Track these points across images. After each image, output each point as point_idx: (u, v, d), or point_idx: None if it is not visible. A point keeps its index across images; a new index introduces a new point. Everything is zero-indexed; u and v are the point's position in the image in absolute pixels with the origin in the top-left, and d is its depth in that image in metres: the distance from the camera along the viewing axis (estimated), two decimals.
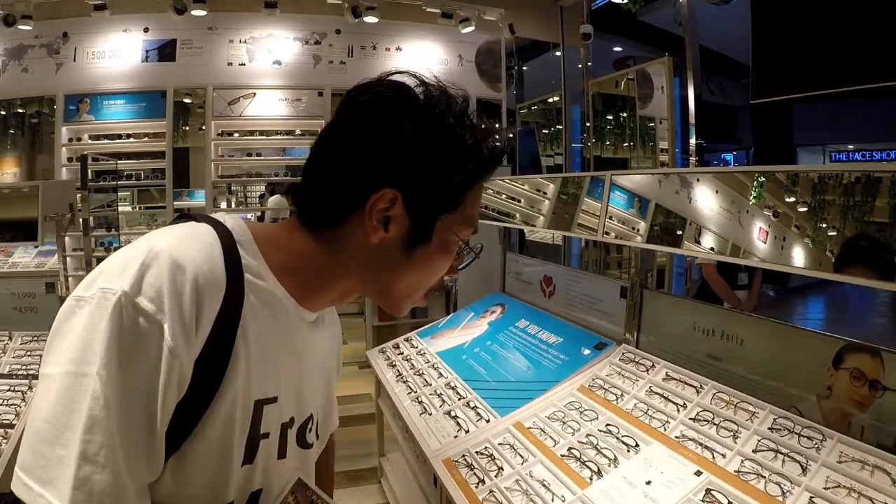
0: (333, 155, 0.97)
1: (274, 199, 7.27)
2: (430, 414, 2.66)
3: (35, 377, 2.60)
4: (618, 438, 2.04)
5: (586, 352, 2.72)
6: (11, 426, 2.39)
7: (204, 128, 6.62)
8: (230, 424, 0.87)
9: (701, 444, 1.88)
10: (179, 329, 0.78)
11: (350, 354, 6.15)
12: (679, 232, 2.22)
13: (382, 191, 0.91)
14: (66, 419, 0.74)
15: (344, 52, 6.79)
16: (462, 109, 0.97)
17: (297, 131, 6.88)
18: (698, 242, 2.14)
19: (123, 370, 0.76)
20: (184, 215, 0.95)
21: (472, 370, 2.96)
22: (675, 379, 2.25)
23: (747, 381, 2.06)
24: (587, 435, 2.11)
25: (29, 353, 2.82)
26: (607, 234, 2.62)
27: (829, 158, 13.54)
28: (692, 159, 6.03)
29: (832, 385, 1.79)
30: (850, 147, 13.66)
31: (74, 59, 6.53)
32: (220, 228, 0.91)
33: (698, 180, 2.17)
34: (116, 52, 6.58)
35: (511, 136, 8.88)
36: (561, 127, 8.12)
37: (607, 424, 2.14)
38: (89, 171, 6.52)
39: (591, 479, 1.89)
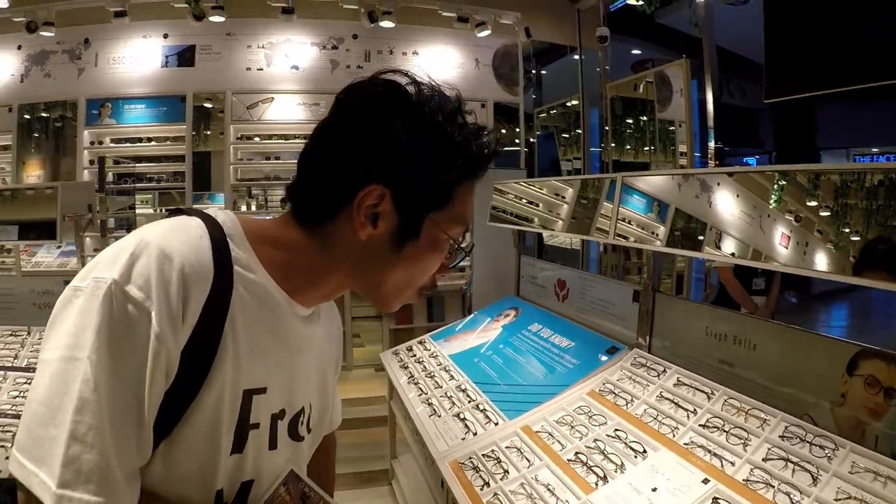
0: (325, 152, 0.98)
1: None
2: (440, 416, 2.65)
3: None
4: (626, 444, 2.01)
5: (603, 358, 2.69)
6: None
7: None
8: (218, 413, 0.88)
9: (710, 452, 1.85)
10: (166, 316, 0.80)
11: (367, 357, 6.17)
12: (700, 237, 2.18)
13: (370, 187, 0.92)
14: (59, 401, 0.77)
15: (361, 57, 6.80)
16: (453, 108, 0.97)
17: None
18: (719, 247, 2.11)
19: (113, 355, 0.78)
20: (178, 210, 0.96)
21: (483, 373, 2.95)
22: (686, 384, 2.22)
23: (760, 387, 2.02)
24: (595, 440, 2.09)
25: None
26: (621, 236, 2.60)
27: (853, 161, 13.37)
28: (711, 163, 5.98)
29: (846, 392, 1.75)
30: (875, 150, 13.48)
31: (96, 65, 6.59)
32: (210, 222, 0.93)
33: (718, 184, 2.13)
34: (137, 58, 6.63)
35: (531, 140, 8.89)
36: (580, 131, 8.08)
37: (616, 430, 2.11)
38: (110, 173, 6.62)
39: (596, 484, 1.87)
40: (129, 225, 6.69)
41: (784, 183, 1.87)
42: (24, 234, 3.12)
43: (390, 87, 0.96)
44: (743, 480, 1.70)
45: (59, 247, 5.63)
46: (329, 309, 1.22)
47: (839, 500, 1.54)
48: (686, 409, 2.08)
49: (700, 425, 1.98)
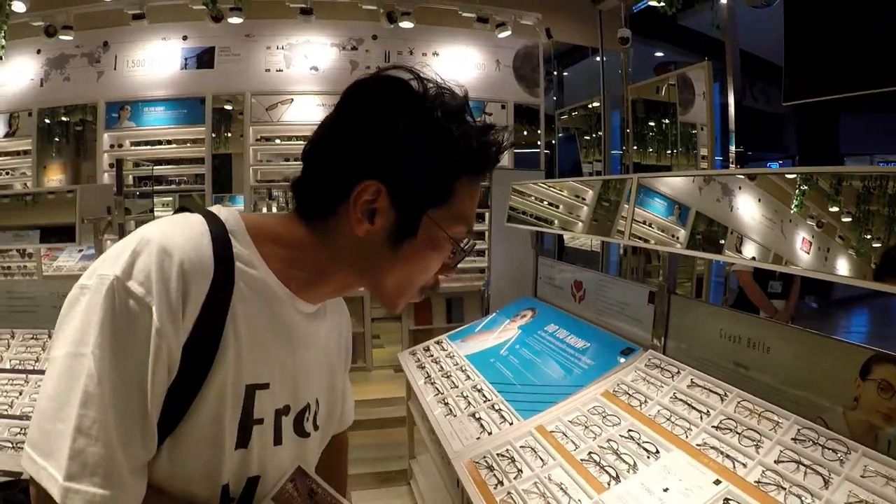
0: (326, 148, 0.99)
1: None
2: (455, 416, 2.67)
3: None
4: (639, 444, 2.02)
5: (618, 359, 2.69)
6: None
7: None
8: (221, 408, 0.89)
9: (722, 453, 1.85)
10: (166, 311, 0.82)
11: (386, 358, 6.17)
12: (721, 240, 2.18)
13: (366, 182, 0.93)
14: (66, 396, 0.79)
15: (381, 58, 6.79)
16: (456, 105, 0.97)
17: None
18: (739, 251, 2.10)
19: (115, 349, 0.80)
20: (182, 209, 0.98)
21: (499, 373, 2.97)
22: (700, 386, 2.22)
23: (773, 389, 2.02)
24: (608, 440, 2.10)
25: None
26: (638, 238, 2.60)
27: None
28: (732, 167, 5.93)
29: (859, 396, 1.74)
30: None
31: (115, 68, 6.65)
32: (212, 219, 0.94)
33: (740, 188, 2.13)
34: (156, 60, 6.67)
35: (552, 141, 8.86)
36: (601, 133, 8.05)
37: (629, 430, 2.12)
38: (130, 176, 6.68)
39: (608, 484, 1.88)
40: None
41: (806, 188, 1.86)
42: (45, 237, 3.16)
43: (392, 84, 0.96)
44: (754, 482, 1.70)
45: (81, 250, 5.69)
46: (337, 307, 1.23)
47: (850, 503, 1.53)
48: (699, 411, 2.09)
49: (713, 427, 1.98)
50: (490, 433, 2.43)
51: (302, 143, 1.03)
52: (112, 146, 6.67)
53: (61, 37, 6.11)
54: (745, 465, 1.77)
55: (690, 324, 2.50)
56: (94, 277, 0.83)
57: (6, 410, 2.58)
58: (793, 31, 4.57)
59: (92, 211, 3.13)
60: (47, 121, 6.66)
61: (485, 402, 2.70)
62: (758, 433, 1.88)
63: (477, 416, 2.59)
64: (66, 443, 0.77)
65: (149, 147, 6.78)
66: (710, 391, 2.16)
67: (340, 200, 0.95)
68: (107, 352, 0.79)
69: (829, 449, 1.72)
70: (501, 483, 2.06)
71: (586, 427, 2.24)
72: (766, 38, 5.01)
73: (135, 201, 6.67)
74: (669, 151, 6.50)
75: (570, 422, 2.31)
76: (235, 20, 6.14)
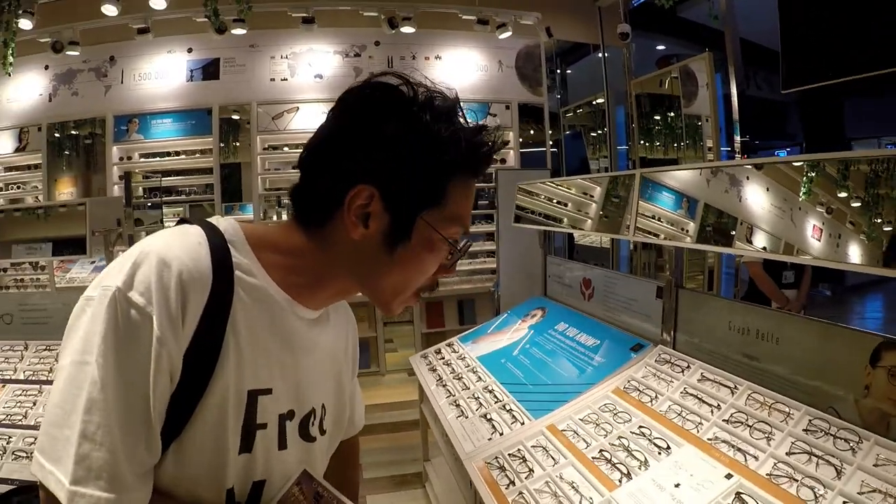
0: (320, 155, 1.00)
1: None
2: (467, 417, 2.67)
3: None
4: (650, 440, 2.02)
5: (628, 355, 2.69)
6: None
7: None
8: (223, 413, 0.91)
9: (733, 447, 1.84)
10: (167, 320, 0.84)
11: (399, 362, 6.18)
12: (731, 232, 2.17)
13: (359, 187, 0.94)
14: (72, 403, 0.82)
15: (384, 64, 6.79)
16: (446, 107, 0.98)
17: None
18: (750, 242, 2.09)
19: (118, 357, 0.82)
20: (182, 220, 1.00)
21: (510, 373, 2.97)
22: (710, 380, 2.21)
23: (784, 380, 2.01)
24: (619, 437, 2.09)
25: None
26: (645, 232, 2.60)
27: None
28: (738, 157, 5.91)
29: (870, 384, 1.73)
30: None
31: (122, 81, 6.70)
32: (210, 230, 0.96)
33: (748, 178, 2.11)
34: (162, 73, 6.73)
35: (559, 140, 8.84)
36: (607, 129, 8.03)
37: (640, 426, 2.11)
38: (140, 188, 6.73)
39: (620, 481, 1.87)
40: None
41: (813, 175, 1.85)
42: (57, 250, 3.20)
43: (381, 89, 0.98)
44: (766, 475, 1.69)
45: (93, 262, 5.73)
46: (342, 314, 1.25)
47: (863, 493, 1.52)
48: (710, 405, 2.08)
49: (724, 420, 1.97)
50: (502, 434, 2.43)
51: None
52: (121, 159, 6.72)
53: (68, 52, 6.18)
54: (756, 459, 1.76)
55: (699, 317, 2.49)
56: (98, 289, 0.86)
57: (20, 420, 2.61)
58: (788, 17, 4.55)
59: (102, 223, 3.17)
60: (57, 135, 6.73)
61: (496, 402, 2.70)
62: (769, 425, 1.87)
63: (488, 416, 2.59)
64: (72, 448, 0.79)
65: (158, 159, 6.82)
66: (721, 384, 2.16)
67: (335, 206, 0.96)
68: (110, 360, 0.82)
69: (840, 439, 1.71)
70: (513, 483, 2.06)
71: (597, 425, 2.23)
72: (766, 26, 4.98)
73: (146, 212, 6.73)
74: (676, 145, 6.48)
75: (581, 420, 2.31)
76: (239, 31, 6.18)
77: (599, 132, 8.37)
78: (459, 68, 6.99)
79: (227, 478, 0.94)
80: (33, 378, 2.91)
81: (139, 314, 0.83)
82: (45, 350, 3.08)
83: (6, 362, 3.03)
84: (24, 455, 2.40)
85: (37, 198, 6.77)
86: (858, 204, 1.69)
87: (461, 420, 2.67)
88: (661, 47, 9.85)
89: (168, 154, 6.83)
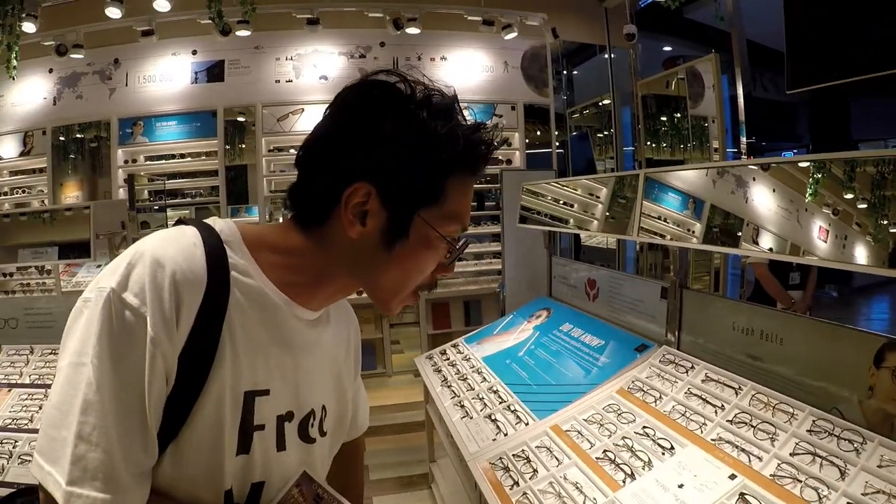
0: (317, 154, 1.00)
1: None
2: (472, 418, 2.67)
3: None
4: (653, 441, 2.02)
5: (633, 356, 2.69)
6: None
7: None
8: (220, 414, 0.91)
9: (737, 447, 1.84)
10: (160, 321, 0.84)
11: (406, 363, 6.17)
12: (737, 233, 2.17)
13: (356, 185, 0.94)
14: (68, 405, 0.82)
15: (389, 65, 6.59)
16: (444, 104, 0.97)
17: None
18: (756, 243, 2.09)
19: (113, 358, 0.83)
20: (179, 221, 1.00)
21: (514, 374, 2.97)
22: (714, 380, 2.21)
23: (788, 381, 2.00)
24: (623, 437, 2.10)
25: None
26: (649, 232, 2.60)
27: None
28: (744, 158, 5.90)
29: (874, 385, 1.73)
30: None
31: (126, 84, 6.71)
32: (207, 230, 0.96)
33: (754, 179, 2.11)
34: (166, 75, 6.72)
35: (565, 141, 8.83)
36: (613, 130, 8.01)
37: (644, 427, 2.12)
38: (145, 191, 6.72)
39: (623, 481, 1.87)
40: None
41: (819, 176, 1.85)
42: (63, 254, 3.21)
43: (378, 87, 0.98)
44: (770, 475, 1.69)
45: (99, 265, 5.75)
46: (344, 316, 1.25)
47: (867, 494, 1.52)
48: (714, 405, 2.08)
49: (727, 421, 1.97)
50: (506, 434, 2.43)
51: None
52: (126, 162, 6.72)
53: (72, 55, 6.17)
54: (760, 459, 1.76)
55: (703, 318, 2.48)
56: (95, 290, 0.86)
57: (26, 424, 2.62)
58: (793, 18, 4.54)
59: (106, 226, 3.18)
60: (62, 138, 6.71)
61: (500, 403, 2.71)
62: (773, 426, 1.86)
63: (493, 417, 2.59)
64: (69, 449, 0.80)
65: (163, 161, 6.80)
66: (725, 385, 2.15)
67: (333, 204, 0.96)
68: (105, 361, 0.82)
69: (844, 439, 1.70)
70: (517, 483, 2.06)
71: (601, 425, 2.23)
72: (772, 27, 4.97)
73: (152, 215, 6.71)
74: (683, 146, 6.47)
75: (585, 420, 2.31)
76: (243, 33, 6.17)
77: (605, 133, 8.35)
78: (465, 69, 6.98)
79: (225, 479, 0.94)
80: (39, 382, 2.91)
81: (133, 315, 0.84)
82: (50, 354, 3.08)
83: (12, 366, 3.04)
84: (30, 459, 2.40)
85: (42, 202, 6.75)
86: (865, 205, 1.69)
87: (466, 421, 2.67)
88: (667, 48, 9.84)
89: (173, 156, 6.81)
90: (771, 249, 2.05)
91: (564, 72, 9.70)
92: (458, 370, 3.27)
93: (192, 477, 0.92)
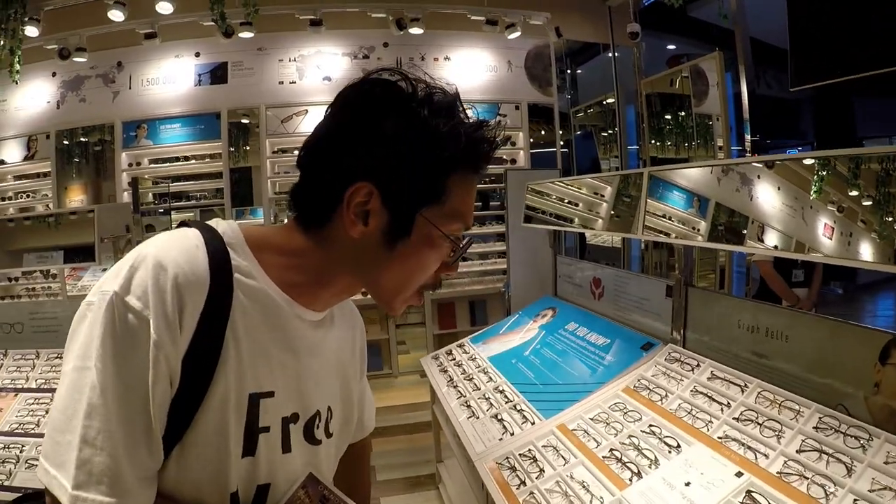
0: (318, 154, 1.00)
1: None
2: (478, 418, 2.68)
3: None
4: (660, 439, 2.01)
5: (639, 354, 2.68)
6: None
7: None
8: (224, 417, 0.91)
9: (743, 445, 1.84)
10: (163, 324, 0.84)
11: (412, 363, 6.17)
12: (742, 231, 2.17)
13: (357, 185, 0.94)
14: (73, 409, 0.82)
15: (393, 65, 6.74)
16: (445, 102, 0.97)
17: None
18: (761, 240, 2.09)
19: (117, 362, 0.83)
20: (181, 223, 1.00)
21: (520, 373, 2.97)
22: (720, 378, 2.21)
23: (793, 378, 2.00)
24: (629, 436, 2.09)
25: None
26: (654, 230, 2.60)
27: None
28: (748, 156, 5.89)
29: (879, 381, 1.72)
30: None
31: (130, 87, 6.73)
32: (209, 232, 0.96)
33: (759, 177, 2.11)
34: (170, 78, 6.75)
35: (570, 140, 8.82)
36: (617, 129, 8.01)
37: (650, 425, 2.11)
38: (150, 193, 6.74)
39: (630, 480, 1.87)
40: None
41: (824, 173, 1.85)
42: (68, 258, 3.21)
43: (379, 86, 0.97)
44: (777, 473, 1.69)
45: (104, 269, 5.76)
46: (349, 317, 1.24)
47: (874, 490, 1.52)
48: (720, 403, 2.07)
49: (734, 418, 1.97)
50: (512, 434, 2.43)
51: None
52: (130, 165, 6.73)
53: (75, 59, 6.19)
54: (766, 457, 1.76)
55: (709, 316, 2.48)
56: (98, 294, 0.86)
57: (33, 429, 2.63)
58: (796, 15, 4.54)
59: (110, 230, 3.18)
60: (66, 142, 6.73)
61: (507, 403, 2.71)
62: (779, 423, 1.86)
63: (499, 417, 2.59)
64: (74, 453, 0.80)
65: (167, 164, 6.82)
66: (731, 383, 2.15)
67: (335, 204, 0.96)
68: (109, 364, 0.82)
69: (850, 436, 1.70)
70: (524, 483, 2.06)
71: (607, 424, 2.23)
72: (776, 25, 4.96)
73: (157, 218, 6.72)
74: (687, 144, 6.47)
75: (592, 419, 2.31)
76: (246, 35, 6.18)
77: (610, 132, 8.34)
78: (469, 69, 6.99)
79: (231, 481, 0.94)
80: (45, 386, 2.92)
81: (136, 318, 0.83)
82: (56, 358, 3.09)
83: (18, 371, 3.05)
84: (37, 463, 2.41)
85: (47, 206, 6.76)
86: (870, 202, 1.68)
87: (472, 421, 2.67)
88: (671, 47, 9.82)
89: (177, 159, 6.82)
90: (776, 247, 2.04)
91: (568, 71, 9.67)
92: (464, 370, 3.27)
93: (198, 479, 0.91)
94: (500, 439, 2.42)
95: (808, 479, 1.63)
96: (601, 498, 1.85)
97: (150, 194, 6.78)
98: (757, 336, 2.18)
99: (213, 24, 6.03)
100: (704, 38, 8.45)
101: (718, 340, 2.39)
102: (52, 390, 2.86)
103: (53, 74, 6.72)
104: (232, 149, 6.68)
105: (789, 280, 4.76)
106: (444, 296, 6.44)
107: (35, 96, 6.81)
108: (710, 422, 2.00)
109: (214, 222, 1.00)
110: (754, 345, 2.19)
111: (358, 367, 1.28)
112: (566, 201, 3.55)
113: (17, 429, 2.64)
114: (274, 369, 0.98)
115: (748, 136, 5.95)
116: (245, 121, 6.82)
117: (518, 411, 2.59)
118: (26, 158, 6.89)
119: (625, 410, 2.28)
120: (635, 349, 2.72)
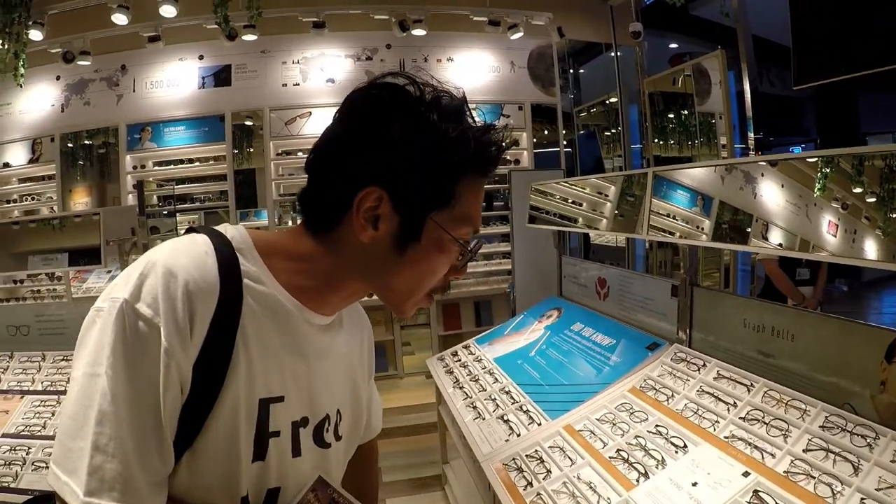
0: (327, 158, 1.00)
1: None
2: (484, 419, 2.68)
3: None
4: (666, 439, 2.02)
5: (644, 354, 2.69)
6: None
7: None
8: (235, 422, 0.91)
9: (750, 444, 1.84)
10: (174, 331, 0.84)
11: (417, 365, 6.18)
12: (746, 229, 2.16)
13: (367, 189, 0.94)
14: (84, 415, 0.82)
15: (396, 67, 6.67)
16: (454, 106, 0.97)
17: None
18: (766, 239, 2.09)
19: (128, 369, 0.83)
20: (190, 229, 1.00)
21: (526, 374, 2.97)
22: (726, 377, 2.21)
23: (800, 377, 2.00)
24: (636, 436, 2.10)
25: None
26: (659, 230, 2.59)
27: None
28: (752, 154, 5.88)
29: (885, 380, 1.72)
30: None
31: (134, 90, 6.73)
32: (218, 238, 0.96)
33: (762, 175, 2.11)
34: (174, 81, 6.75)
35: (573, 140, 8.82)
36: (621, 128, 8.00)
37: (657, 425, 2.11)
38: (154, 196, 6.74)
39: (637, 481, 1.87)
40: None
41: (828, 171, 1.85)
42: (73, 260, 3.22)
43: (387, 90, 0.97)
44: (783, 472, 1.69)
45: (110, 271, 5.76)
46: (356, 320, 1.25)
47: (881, 489, 1.51)
48: (726, 403, 2.07)
49: (740, 418, 1.97)
50: (518, 435, 2.43)
51: None
52: (135, 167, 6.73)
53: (79, 62, 6.20)
54: (773, 456, 1.76)
55: (714, 315, 2.48)
56: (107, 301, 0.86)
57: (39, 431, 2.64)
58: (799, 12, 4.53)
59: (116, 232, 3.18)
60: (70, 145, 6.73)
61: (513, 403, 2.71)
62: (785, 422, 1.86)
63: (505, 418, 2.60)
64: (85, 460, 0.80)
65: (172, 167, 6.82)
66: (737, 382, 2.15)
67: (344, 209, 0.96)
68: (119, 371, 0.82)
69: (857, 435, 1.70)
70: (531, 484, 2.06)
71: (614, 424, 2.23)
72: (778, 22, 4.96)
73: (162, 220, 6.73)
74: (690, 143, 6.46)
75: (598, 420, 2.31)
76: (250, 37, 6.18)
77: (613, 131, 8.34)
78: (471, 70, 6.98)
79: (241, 486, 0.94)
80: (51, 389, 2.92)
81: (147, 326, 0.84)
82: (62, 360, 3.10)
83: (24, 373, 3.05)
84: (44, 465, 2.43)
85: (52, 209, 6.78)
86: (874, 199, 1.68)
87: (478, 422, 2.67)
88: (673, 45, 9.82)
89: (182, 161, 6.83)
90: (781, 245, 2.04)
91: (571, 71, 9.69)
92: (469, 371, 3.27)
93: (209, 484, 0.92)
94: (507, 440, 2.42)
95: (815, 478, 1.63)
96: (608, 499, 1.85)
97: (155, 197, 6.78)
98: (763, 335, 2.18)
99: (216, 26, 6.02)
100: (706, 37, 8.45)
101: (724, 340, 2.39)
102: (59, 392, 2.88)
103: (58, 78, 6.71)
104: (236, 151, 6.68)
105: (793, 278, 4.75)
106: (448, 297, 6.42)
107: (39, 100, 6.81)
108: (717, 422, 2.00)
109: (223, 227, 1.00)
110: (760, 344, 2.19)
111: (366, 370, 1.28)
112: (570, 201, 3.55)
113: (23, 431, 2.65)
114: (284, 374, 0.99)
115: (751, 134, 5.94)
116: (249, 123, 6.82)
117: (524, 412, 2.59)
118: (31, 161, 6.90)
119: (631, 411, 2.28)
120: (641, 349, 2.72)
